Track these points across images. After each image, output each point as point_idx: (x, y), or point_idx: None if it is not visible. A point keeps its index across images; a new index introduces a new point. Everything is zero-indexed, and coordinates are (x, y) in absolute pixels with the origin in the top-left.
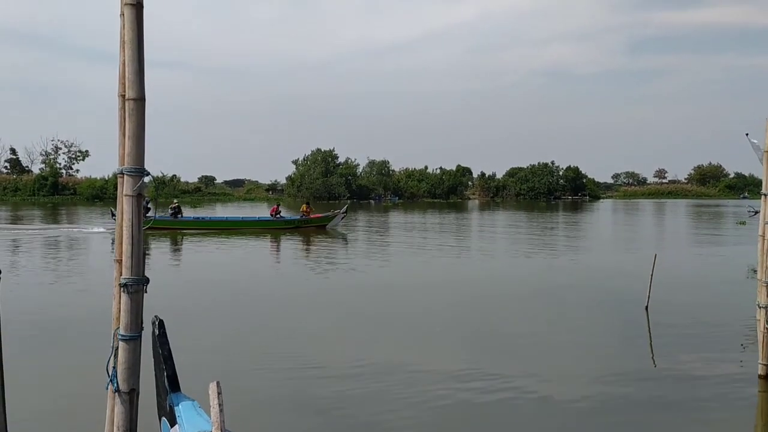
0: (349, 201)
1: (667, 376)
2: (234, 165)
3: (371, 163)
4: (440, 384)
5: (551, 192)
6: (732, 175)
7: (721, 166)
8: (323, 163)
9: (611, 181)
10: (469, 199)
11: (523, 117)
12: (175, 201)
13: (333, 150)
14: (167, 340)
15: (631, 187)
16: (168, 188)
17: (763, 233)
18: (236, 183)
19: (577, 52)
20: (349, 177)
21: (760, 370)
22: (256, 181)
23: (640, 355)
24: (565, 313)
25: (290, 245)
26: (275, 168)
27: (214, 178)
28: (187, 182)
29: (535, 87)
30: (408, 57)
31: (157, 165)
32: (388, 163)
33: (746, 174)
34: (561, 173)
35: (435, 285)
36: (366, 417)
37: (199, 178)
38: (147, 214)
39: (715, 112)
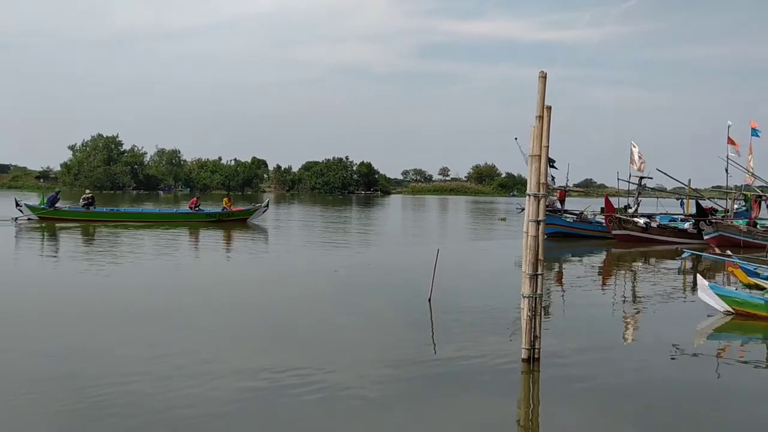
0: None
1: (445, 362)
2: None
3: (160, 152)
4: (236, 380)
5: (345, 186)
6: (504, 175)
7: (495, 166)
8: (105, 150)
9: (401, 177)
10: (264, 191)
11: (321, 112)
12: (87, 192)
13: (117, 136)
14: None
15: (418, 184)
16: None
17: (527, 230)
18: None
19: (374, 52)
20: (136, 166)
21: (523, 354)
22: (24, 168)
23: (423, 344)
24: (355, 307)
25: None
26: (48, 153)
27: None
28: None
29: (334, 83)
30: (204, 44)
31: None
32: (179, 152)
33: (515, 174)
34: (355, 168)
35: (232, 284)
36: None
37: None
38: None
39: (492, 116)
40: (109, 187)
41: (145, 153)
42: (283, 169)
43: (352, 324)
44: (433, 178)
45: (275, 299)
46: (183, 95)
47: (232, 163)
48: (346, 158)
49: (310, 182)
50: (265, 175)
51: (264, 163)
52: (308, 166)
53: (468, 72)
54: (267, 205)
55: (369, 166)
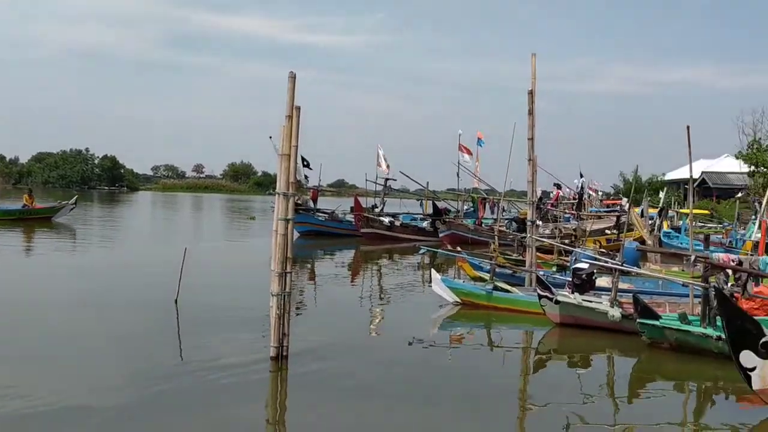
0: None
1: (192, 367)
2: None
3: None
4: None
5: (86, 181)
6: (260, 174)
7: (251, 164)
8: None
9: (151, 173)
10: None
11: (57, 98)
12: None
13: None
14: None
15: (170, 180)
16: None
17: (277, 228)
18: None
19: (119, 36)
20: None
21: (272, 352)
22: None
23: (167, 350)
24: (95, 315)
25: None
26: None
27: None
28: None
29: (71, 67)
30: None
31: None
32: None
33: (271, 173)
34: (97, 162)
35: None
36: None
37: None
38: None
39: (249, 113)
40: None
41: None
42: (8, 160)
43: (88, 334)
44: (187, 175)
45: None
46: None
47: None
48: (86, 150)
49: (43, 176)
50: None
51: None
52: (40, 158)
53: (224, 67)
54: (75, 203)
55: (113, 159)
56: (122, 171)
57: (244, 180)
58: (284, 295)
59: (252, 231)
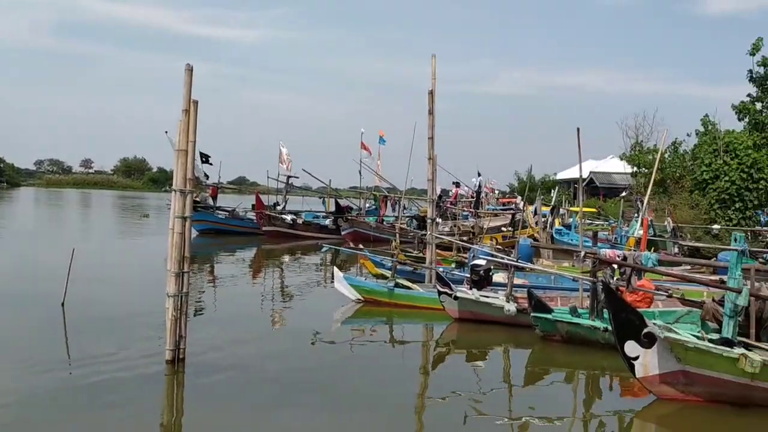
0: None
1: (82, 376)
2: None
3: None
4: None
5: None
6: (155, 170)
7: (145, 159)
8: None
9: (34, 168)
10: None
11: None
12: None
13: None
14: None
15: (55, 176)
16: None
17: (173, 226)
18: None
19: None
20: None
21: (168, 355)
22: None
23: (55, 356)
24: None
25: None
26: None
27: None
28: None
29: None
30: None
31: None
32: None
33: (167, 169)
34: None
35: None
36: None
37: None
38: None
39: (143, 106)
40: None
41: None
42: None
43: None
44: (74, 170)
45: None
46: None
47: None
48: None
49: None
50: None
51: None
52: None
53: (116, 57)
54: None
55: None
56: (1, 165)
57: (137, 176)
58: (181, 296)
59: (146, 229)
